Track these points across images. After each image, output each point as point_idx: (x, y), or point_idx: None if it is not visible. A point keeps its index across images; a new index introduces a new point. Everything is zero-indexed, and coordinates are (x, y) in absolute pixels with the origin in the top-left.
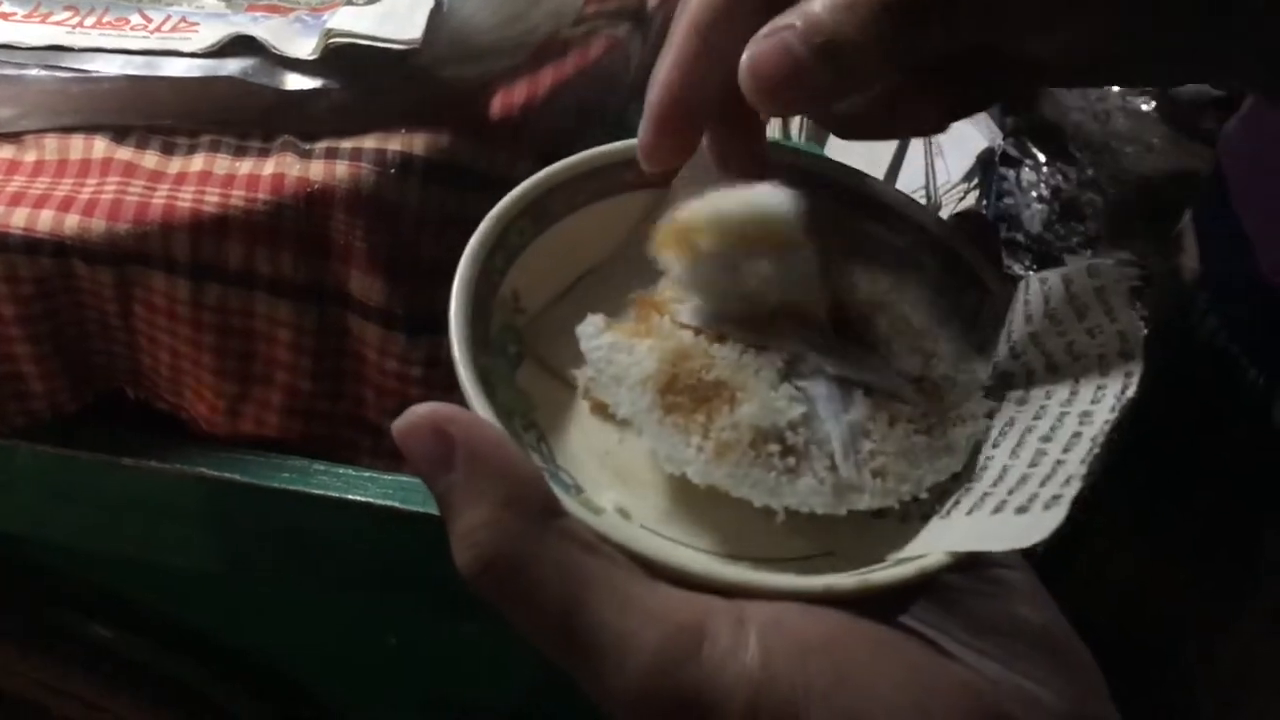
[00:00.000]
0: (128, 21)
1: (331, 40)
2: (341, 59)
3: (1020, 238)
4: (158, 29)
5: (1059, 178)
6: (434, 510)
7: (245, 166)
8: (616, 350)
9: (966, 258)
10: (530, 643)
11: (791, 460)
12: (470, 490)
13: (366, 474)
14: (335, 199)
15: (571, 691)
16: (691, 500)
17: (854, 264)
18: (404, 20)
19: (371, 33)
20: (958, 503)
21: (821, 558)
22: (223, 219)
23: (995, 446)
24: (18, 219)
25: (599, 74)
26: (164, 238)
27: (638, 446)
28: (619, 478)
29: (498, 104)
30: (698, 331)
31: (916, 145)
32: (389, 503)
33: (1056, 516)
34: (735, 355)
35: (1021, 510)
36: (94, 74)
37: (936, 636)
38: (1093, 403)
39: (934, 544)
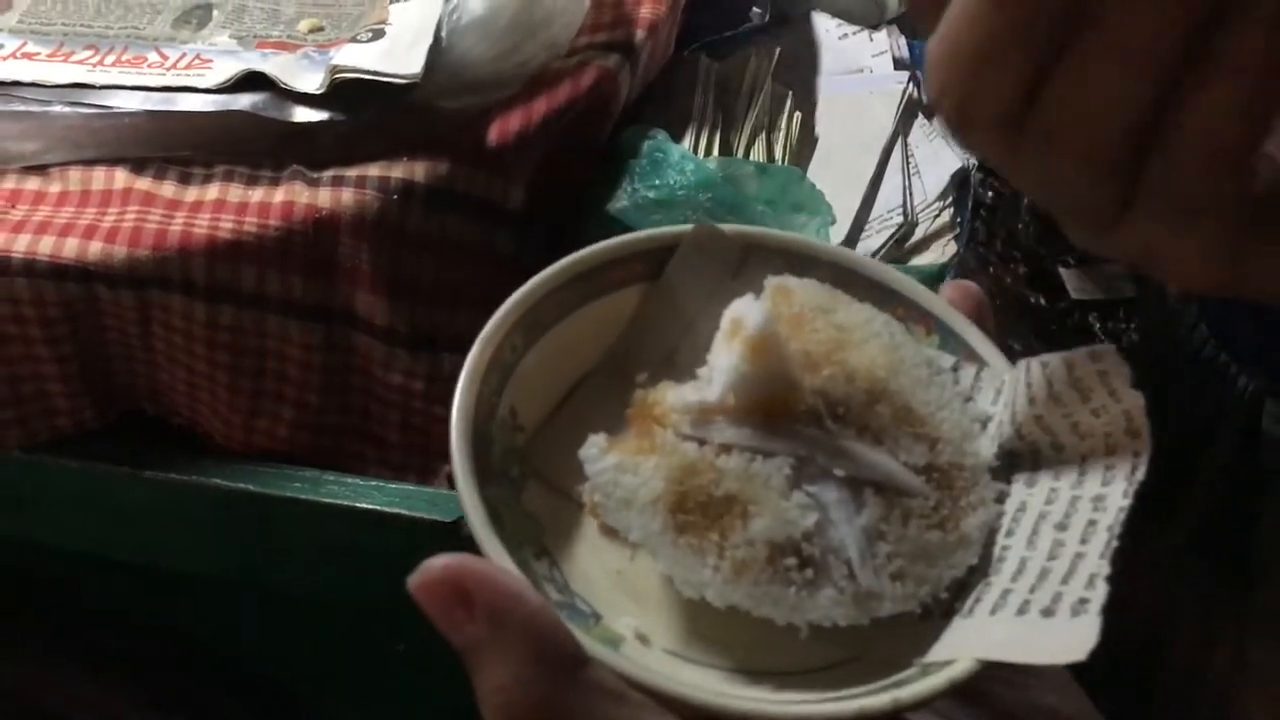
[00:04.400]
0: (145, 59)
1: (337, 75)
2: (346, 92)
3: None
4: (174, 66)
5: None
6: (439, 516)
7: (257, 194)
8: (622, 471)
9: (959, 330)
10: None
11: (809, 572)
12: (495, 648)
13: (373, 483)
14: (342, 224)
15: None
16: (711, 617)
17: (848, 350)
18: (405, 56)
19: (374, 68)
20: (979, 600)
21: (848, 664)
22: (236, 244)
23: (1010, 535)
24: (44, 247)
25: (590, 103)
26: (182, 262)
27: (651, 565)
28: (634, 599)
29: (494, 132)
30: (701, 443)
31: (894, 165)
32: (396, 509)
33: (1089, 628)
34: (743, 465)
35: (1047, 613)
36: (114, 109)
37: None
38: (1103, 485)
39: (961, 648)
